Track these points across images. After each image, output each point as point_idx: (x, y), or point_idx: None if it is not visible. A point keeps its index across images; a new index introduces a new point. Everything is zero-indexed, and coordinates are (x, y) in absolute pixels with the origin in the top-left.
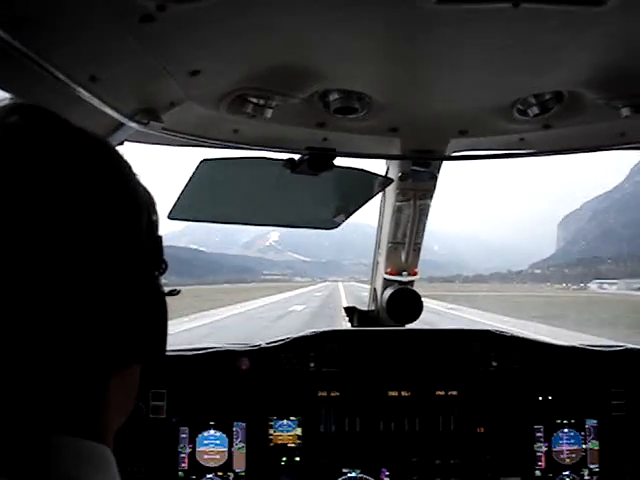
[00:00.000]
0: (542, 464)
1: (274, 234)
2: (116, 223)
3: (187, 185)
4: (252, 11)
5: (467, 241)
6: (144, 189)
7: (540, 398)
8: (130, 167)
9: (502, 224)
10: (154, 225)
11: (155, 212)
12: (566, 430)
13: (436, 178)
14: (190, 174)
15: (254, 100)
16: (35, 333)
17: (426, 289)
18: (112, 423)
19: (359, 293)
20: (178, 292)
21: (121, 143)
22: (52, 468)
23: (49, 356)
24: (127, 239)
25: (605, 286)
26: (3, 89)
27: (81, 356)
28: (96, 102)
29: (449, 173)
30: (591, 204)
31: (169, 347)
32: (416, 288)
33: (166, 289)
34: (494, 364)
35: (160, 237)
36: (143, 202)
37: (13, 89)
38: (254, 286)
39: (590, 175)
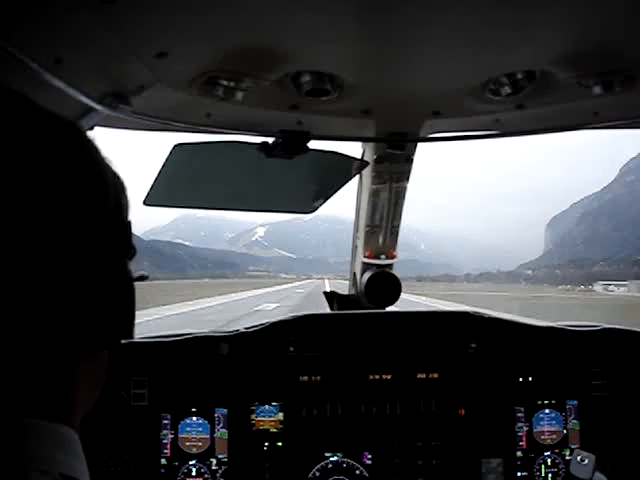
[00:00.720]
0: (523, 445)
1: (260, 230)
2: (82, 206)
3: (161, 170)
4: None
5: (454, 241)
6: (113, 173)
7: (520, 379)
8: (98, 151)
9: (489, 225)
10: (123, 209)
11: (125, 196)
12: (547, 411)
13: (412, 160)
14: (164, 159)
15: (224, 82)
16: (3, 320)
17: (418, 288)
18: (79, 407)
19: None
20: (146, 277)
21: (91, 128)
22: (17, 448)
23: (16, 341)
24: (94, 223)
25: (611, 288)
26: None
27: (48, 341)
28: (62, 85)
29: (436, 171)
30: (580, 205)
31: (149, 334)
32: (407, 287)
33: (135, 274)
34: (473, 346)
35: (129, 222)
36: (110, 185)
37: None
38: (236, 281)
39: (578, 175)
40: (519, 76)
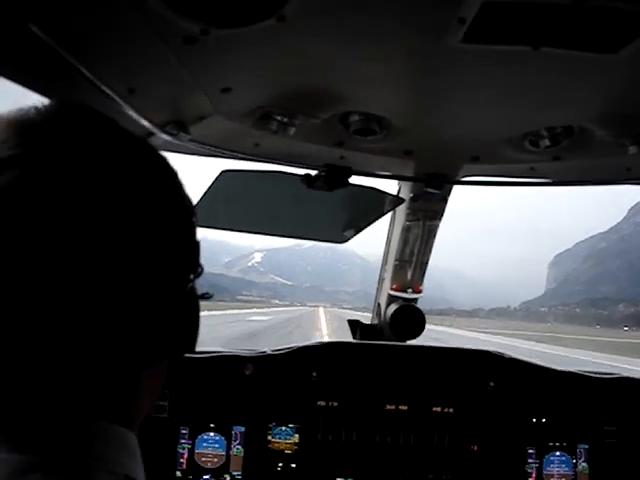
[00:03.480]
0: None
1: (257, 255)
2: (165, 224)
3: (206, 193)
4: (283, 37)
5: (451, 276)
6: (186, 193)
7: (534, 420)
8: (177, 173)
9: (485, 262)
10: (194, 229)
11: (195, 216)
12: (557, 453)
13: (446, 200)
14: (210, 183)
15: (278, 118)
16: (77, 325)
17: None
18: (141, 412)
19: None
20: (211, 296)
21: None
22: (88, 448)
23: (91, 350)
24: (173, 241)
25: None
26: (46, 95)
27: (119, 350)
28: (131, 112)
29: None
30: (585, 244)
31: None
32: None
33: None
34: (491, 384)
35: (198, 242)
36: (190, 206)
37: (55, 95)
38: (220, 305)
39: (581, 216)
40: (558, 130)
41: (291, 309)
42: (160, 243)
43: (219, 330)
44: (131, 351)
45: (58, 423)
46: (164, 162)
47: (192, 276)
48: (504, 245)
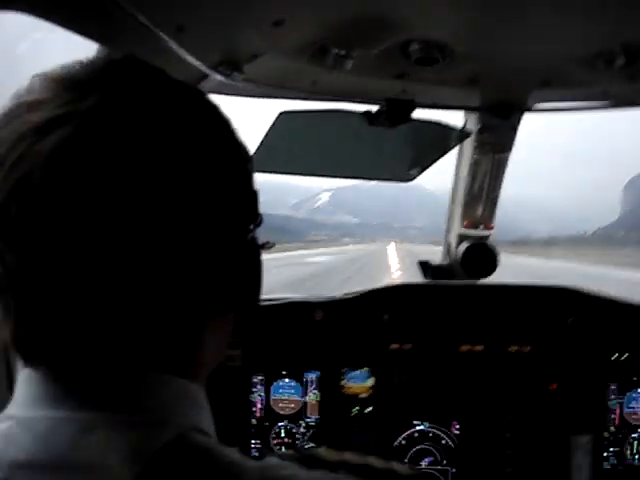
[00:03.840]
0: (615, 422)
1: (325, 195)
2: (221, 175)
3: (265, 137)
4: None
5: (522, 204)
6: (242, 141)
7: (616, 355)
8: (230, 119)
9: (559, 188)
10: (251, 177)
11: (252, 165)
12: None
13: (516, 131)
14: (268, 126)
15: (335, 51)
16: (139, 279)
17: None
18: (206, 366)
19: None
20: (273, 245)
21: None
22: (146, 401)
23: (151, 301)
24: (229, 191)
25: None
26: (93, 39)
27: (181, 302)
28: (182, 53)
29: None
30: None
31: None
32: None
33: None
34: (569, 320)
35: (257, 191)
36: (244, 154)
37: (102, 38)
38: (284, 246)
39: None
40: (634, 48)
41: (359, 247)
42: (217, 194)
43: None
44: (193, 303)
45: (120, 377)
46: (216, 111)
47: (252, 226)
48: (577, 169)
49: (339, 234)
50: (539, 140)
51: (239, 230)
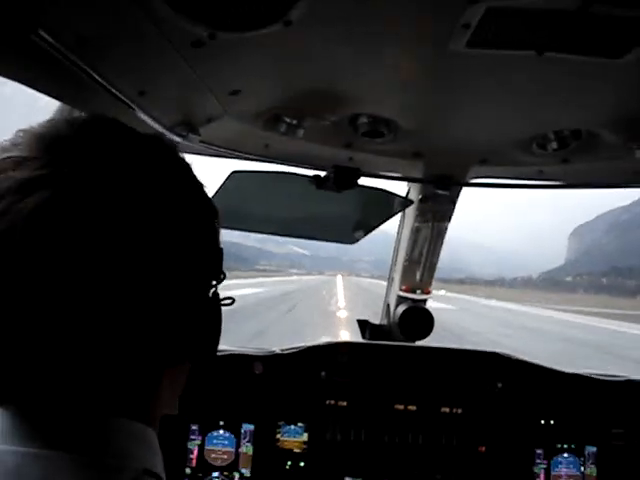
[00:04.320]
0: None
1: None
2: (187, 232)
3: (216, 193)
4: (291, 41)
5: (469, 246)
6: (209, 199)
7: (542, 422)
8: (199, 179)
9: (506, 233)
10: (217, 235)
11: (218, 222)
12: (565, 455)
13: (455, 202)
14: (220, 184)
15: (288, 119)
16: (103, 330)
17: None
18: (160, 412)
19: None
20: (233, 301)
21: None
22: (108, 445)
23: (114, 350)
24: (195, 248)
25: None
26: (56, 98)
27: (141, 351)
28: (141, 114)
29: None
30: (607, 217)
31: None
32: (446, 287)
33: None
34: (499, 385)
35: (221, 249)
36: (210, 212)
37: (65, 98)
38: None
39: (601, 192)
40: (566, 133)
41: (304, 278)
42: (184, 250)
43: None
44: (153, 353)
45: (84, 420)
46: (188, 170)
47: (214, 282)
48: (523, 217)
49: (288, 265)
50: (492, 192)
51: (202, 286)
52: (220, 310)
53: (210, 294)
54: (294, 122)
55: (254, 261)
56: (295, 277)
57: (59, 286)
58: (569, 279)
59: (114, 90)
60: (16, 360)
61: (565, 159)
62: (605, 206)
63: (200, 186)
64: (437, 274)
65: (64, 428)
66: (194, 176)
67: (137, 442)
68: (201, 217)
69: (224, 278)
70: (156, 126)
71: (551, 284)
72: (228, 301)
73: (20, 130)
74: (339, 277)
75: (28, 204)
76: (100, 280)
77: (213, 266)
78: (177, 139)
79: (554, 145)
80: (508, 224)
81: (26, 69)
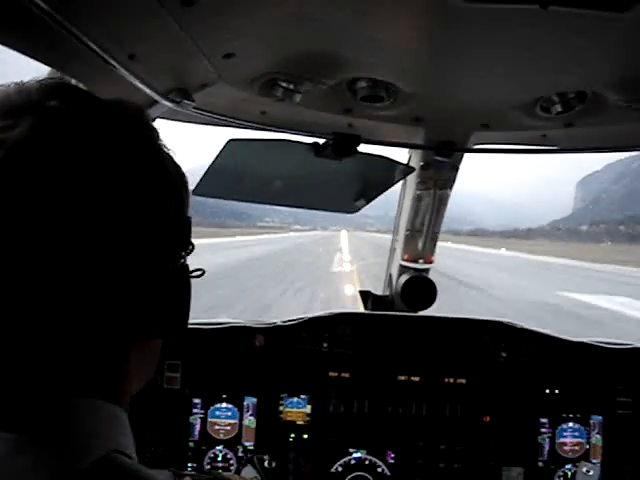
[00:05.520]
0: (545, 455)
1: None
2: (148, 202)
3: (213, 163)
4: (287, 1)
5: (477, 199)
6: (177, 168)
7: (547, 391)
8: (164, 145)
9: (510, 185)
10: (184, 205)
11: (186, 191)
12: (571, 424)
13: (457, 169)
14: (217, 152)
15: (284, 84)
16: (62, 303)
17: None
18: (129, 389)
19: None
20: (203, 273)
21: (153, 120)
22: (71, 425)
23: (74, 325)
24: (157, 218)
25: None
26: (46, 63)
27: (106, 325)
28: (132, 79)
29: None
30: (616, 166)
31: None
32: (460, 245)
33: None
34: (503, 355)
35: (189, 218)
36: (175, 181)
37: (55, 63)
38: (228, 232)
39: None
40: (570, 96)
41: (306, 234)
42: (146, 220)
43: None
44: (118, 326)
45: (44, 401)
46: (150, 136)
47: (183, 253)
48: (530, 169)
49: (292, 221)
50: None
51: (168, 256)
52: (189, 281)
53: (178, 265)
54: (291, 87)
55: (258, 218)
56: (292, 234)
57: (14, 259)
58: (584, 228)
59: (102, 53)
60: None
61: (569, 123)
62: (617, 155)
63: (164, 154)
64: (447, 226)
65: (26, 410)
66: (159, 144)
67: (104, 421)
68: (165, 186)
69: (192, 249)
70: (149, 92)
71: (567, 234)
72: (197, 272)
73: None
74: (343, 232)
75: None
76: (55, 253)
77: (180, 236)
78: (170, 105)
79: (558, 108)
80: (514, 176)
81: (12, 30)
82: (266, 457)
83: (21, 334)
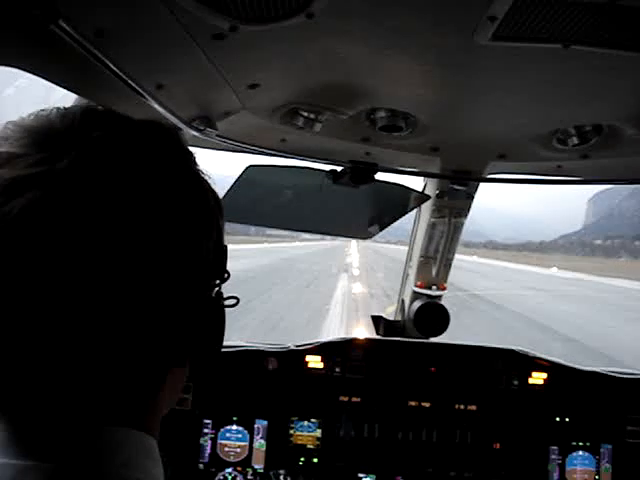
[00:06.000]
0: None
1: None
2: (190, 232)
3: (232, 188)
4: (312, 34)
5: (487, 212)
6: (214, 194)
7: (557, 419)
8: (201, 171)
9: (519, 199)
10: (222, 233)
11: (222, 218)
12: (581, 452)
13: (472, 197)
14: (236, 178)
15: (305, 114)
16: (101, 330)
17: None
18: (160, 415)
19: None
20: (237, 302)
21: None
22: (104, 455)
23: (110, 352)
24: (198, 247)
25: None
26: (74, 90)
27: (141, 355)
28: (158, 107)
29: None
30: None
31: None
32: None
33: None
34: (515, 383)
35: (225, 246)
36: (214, 209)
37: (83, 90)
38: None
39: None
40: (587, 128)
41: (311, 244)
42: (186, 250)
43: None
44: (154, 356)
45: (76, 429)
46: (190, 165)
47: (218, 281)
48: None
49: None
50: None
51: (204, 285)
52: (223, 310)
53: (213, 293)
54: (312, 116)
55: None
56: (298, 243)
57: (54, 290)
58: (599, 242)
59: (132, 82)
60: (9, 368)
61: (585, 154)
62: None
63: (203, 180)
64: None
65: (60, 440)
66: (197, 169)
67: (136, 451)
68: (203, 213)
69: (228, 277)
70: (173, 120)
71: (581, 248)
72: (232, 301)
73: (9, 122)
74: (353, 243)
75: (15, 206)
76: (96, 284)
77: (216, 265)
78: (194, 133)
79: (575, 140)
80: (524, 190)
81: (44, 60)
82: (282, 472)
83: (57, 360)
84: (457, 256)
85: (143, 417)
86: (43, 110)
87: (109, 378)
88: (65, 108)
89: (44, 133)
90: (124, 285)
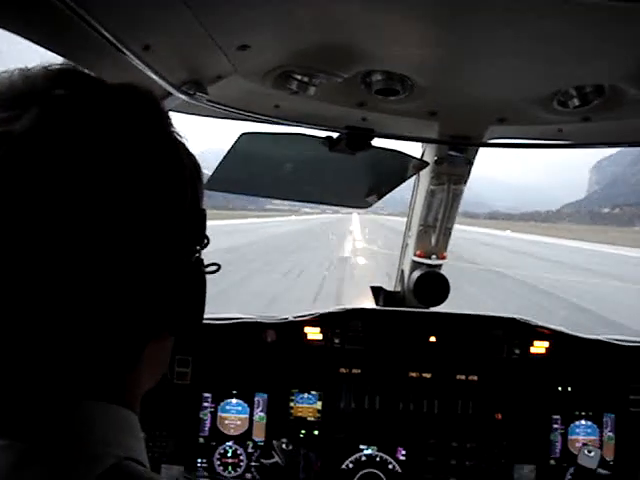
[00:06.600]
0: (557, 453)
1: None
2: (163, 194)
3: (226, 157)
4: None
5: (490, 183)
6: (191, 157)
7: (560, 388)
8: (177, 133)
9: (522, 168)
10: (198, 197)
11: (201, 182)
12: (583, 422)
13: (471, 164)
14: (229, 146)
15: (298, 77)
16: (72, 301)
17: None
18: (140, 390)
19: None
20: (219, 269)
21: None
22: (82, 432)
23: (85, 324)
24: (172, 211)
25: None
26: (57, 52)
27: (118, 324)
28: (146, 70)
29: None
30: (631, 150)
31: None
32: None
33: (205, 265)
34: (517, 352)
35: (204, 210)
36: (190, 172)
37: (67, 52)
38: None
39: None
40: (588, 89)
41: (311, 217)
42: (159, 213)
43: None
44: (131, 327)
45: (53, 404)
46: (164, 128)
47: (198, 247)
48: (544, 151)
49: (302, 204)
50: None
51: (183, 251)
52: (204, 277)
53: (193, 260)
54: (305, 80)
55: (267, 200)
56: (294, 217)
57: (20, 262)
58: (606, 210)
59: (117, 43)
60: None
61: (586, 117)
62: None
63: (178, 142)
64: (463, 209)
65: (34, 417)
66: (173, 133)
67: (115, 426)
68: (180, 177)
69: (208, 243)
70: (162, 84)
71: (590, 217)
72: (213, 267)
73: None
74: (355, 216)
75: None
76: (63, 252)
77: (194, 230)
78: (184, 98)
79: (576, 102)
80: (526, 160)
81: (27, 22)
82: (284, 440)
83: (29, 333)
84: (493, 232)
85: (122, 391)
86: (5, 72)
87: (85, 350)
88: (28, 68)
89: (5, 93)
90: (93, 252)
